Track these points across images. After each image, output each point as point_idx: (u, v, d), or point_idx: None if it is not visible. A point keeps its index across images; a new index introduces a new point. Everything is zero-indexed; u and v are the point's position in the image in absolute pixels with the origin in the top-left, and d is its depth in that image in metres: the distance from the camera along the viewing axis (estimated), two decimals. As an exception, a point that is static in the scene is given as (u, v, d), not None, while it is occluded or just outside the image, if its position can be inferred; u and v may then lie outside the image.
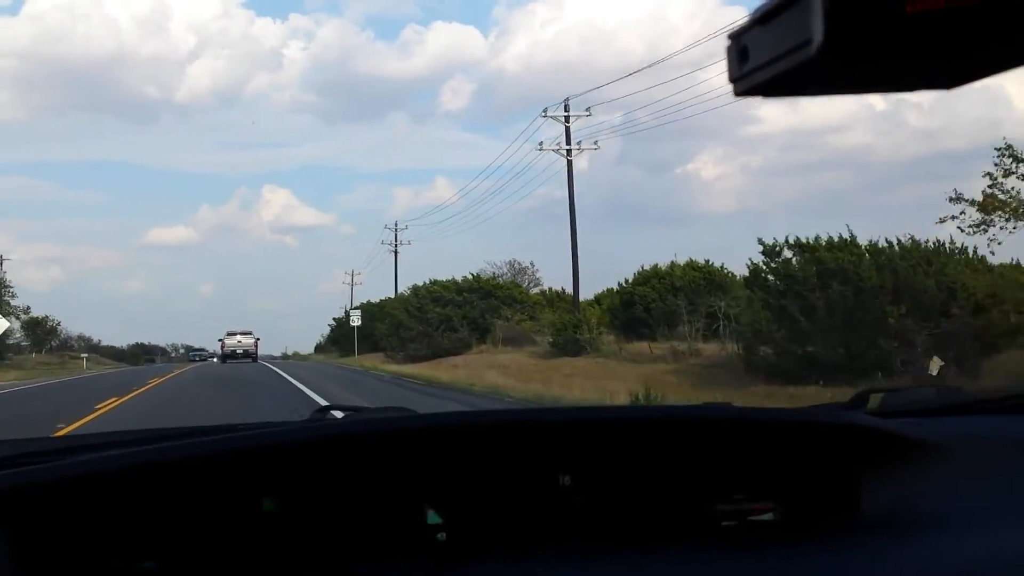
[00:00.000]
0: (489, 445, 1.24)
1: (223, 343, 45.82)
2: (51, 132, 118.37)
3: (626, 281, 28.08)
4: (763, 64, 0.53)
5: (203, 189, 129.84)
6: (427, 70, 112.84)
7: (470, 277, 37.18)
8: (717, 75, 22.49)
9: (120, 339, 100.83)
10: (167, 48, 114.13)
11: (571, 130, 29.41)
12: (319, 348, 67.74)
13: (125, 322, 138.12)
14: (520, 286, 38.89)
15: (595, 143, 30.30)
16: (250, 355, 43.94)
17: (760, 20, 0.53)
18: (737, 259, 50.79)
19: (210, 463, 1.09)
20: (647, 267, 27.70)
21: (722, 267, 27.81)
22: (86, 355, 56.36)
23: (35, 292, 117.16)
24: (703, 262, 27.83)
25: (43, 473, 1.04)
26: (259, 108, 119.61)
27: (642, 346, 23.10)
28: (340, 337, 54.39)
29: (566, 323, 25.99)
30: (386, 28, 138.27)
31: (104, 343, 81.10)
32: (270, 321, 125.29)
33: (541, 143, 30.34)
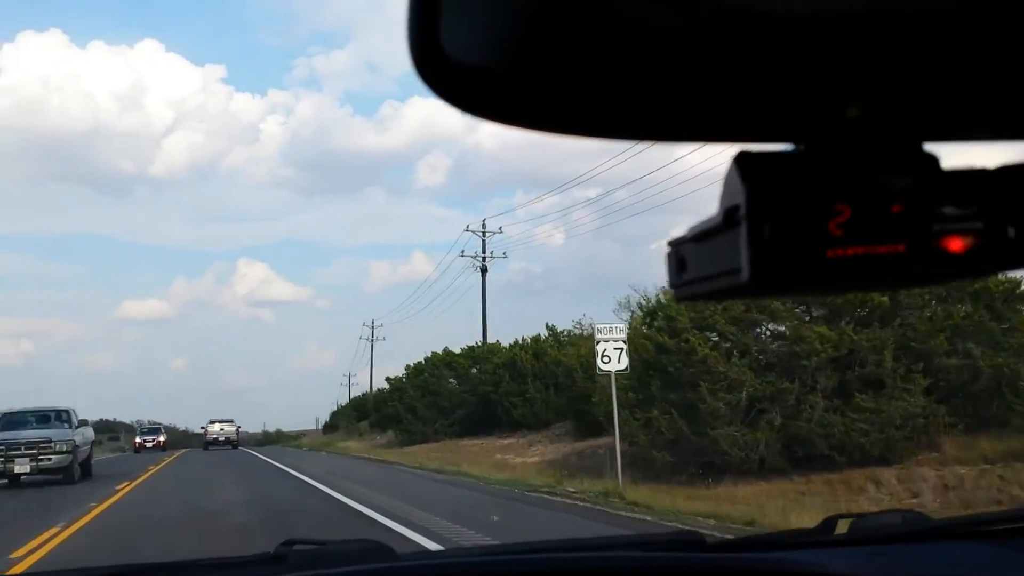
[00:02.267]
0: None
1: (206, 430, 47.25)
2: (24, 204, 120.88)
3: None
4: (699, 278, 0.55)
5: (178, 263, 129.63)
6: (404, 146, 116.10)
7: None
8: (687, 153, 22.48)
9: (89, 414, 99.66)
10: (143, 122, 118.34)
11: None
12: (327, 428, 66.61)
13: (95, 397, 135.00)
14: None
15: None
16: (231, 442, 45.26)
17: (695, 238, 0.55)
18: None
19: None
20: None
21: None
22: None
23: (6, 367, 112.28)
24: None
25: None
26: (236, 182, 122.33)
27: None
28: (336, 423, 60.98)
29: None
30: (364, 104, 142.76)
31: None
32: (246, 396, 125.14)
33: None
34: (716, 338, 13.44)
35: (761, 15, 0.45)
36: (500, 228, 37.50)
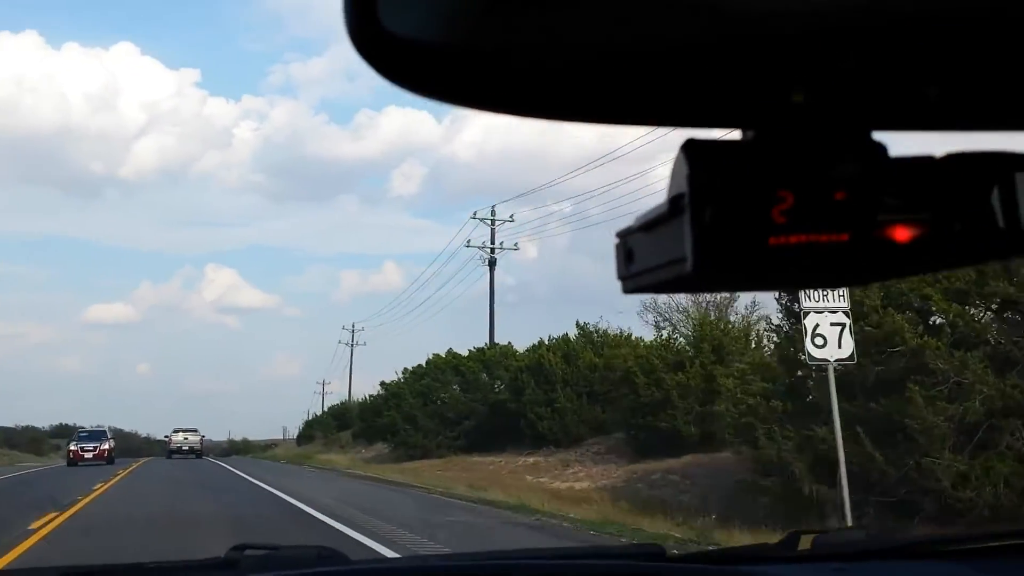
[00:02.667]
0: None
1: (170, 439, 46.41)
2: None
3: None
4: (646, 269, 0.54)
5: (145, 266, 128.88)
6: (379, 154, 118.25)
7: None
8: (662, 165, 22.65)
9: (50, 419, 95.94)
10: (116, 124, 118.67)
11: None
12: (302, 438, 61.63)
13: (60, 401, 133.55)
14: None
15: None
16: (195, 451, 44.56)
17: (644, 227, 0.54)
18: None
19: None
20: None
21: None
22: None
23: None
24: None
25: None
26: (207, 187, 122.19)
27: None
28: (312, 433, 56.40)
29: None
30: (340, 112, 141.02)
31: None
32: (211, 403, 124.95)
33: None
34: (936, 319, 9.27)
35: (713, 2, 0.46)
36: (511, 216, 33.07)
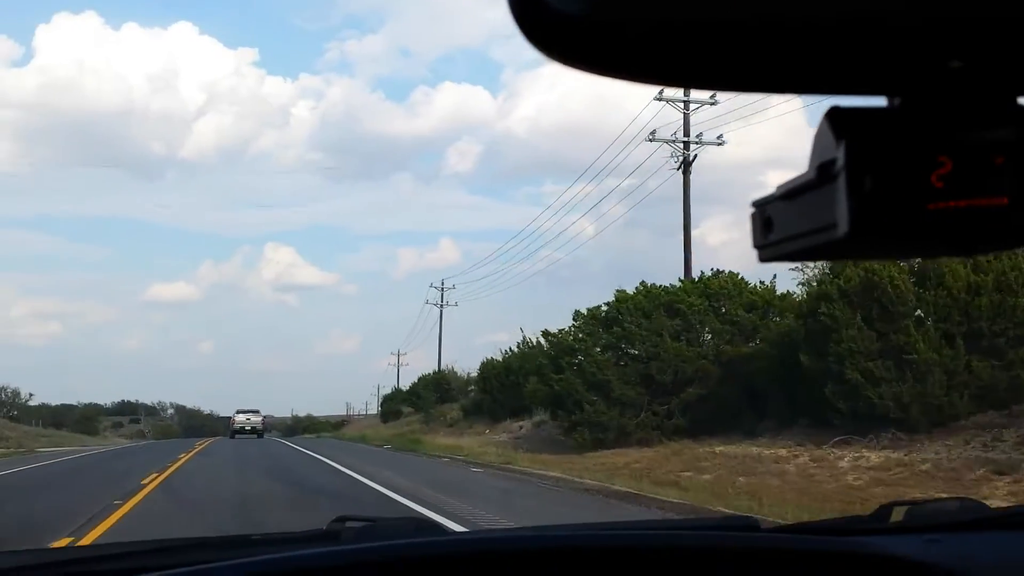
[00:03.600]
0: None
1: (232, 420, 47.39)
2: (55, 185, 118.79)
3: None
4: (788, 237, 0.55)
5: (206, 246, 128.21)
6: (434, 131, 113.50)
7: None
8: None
9: (111, 396, 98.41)
10: (175, 105, 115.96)
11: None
12: (388, 414, 52.74)
13: (121, 378, 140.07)
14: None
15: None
16: (257, 431, 45.24)
17: (784, 196, 0.55)
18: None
19: None
20: None
21: None
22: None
23: (32, 347, 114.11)
24: None
25: None
26: (265, 166, 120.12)
27: None
28: (396, 409, 49.32)
29: None
30: (396, 89, 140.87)
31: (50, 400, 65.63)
32: (271, 381, 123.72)
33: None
34: None
35: None
36: (713, 97, 22.76)
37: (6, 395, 57.66)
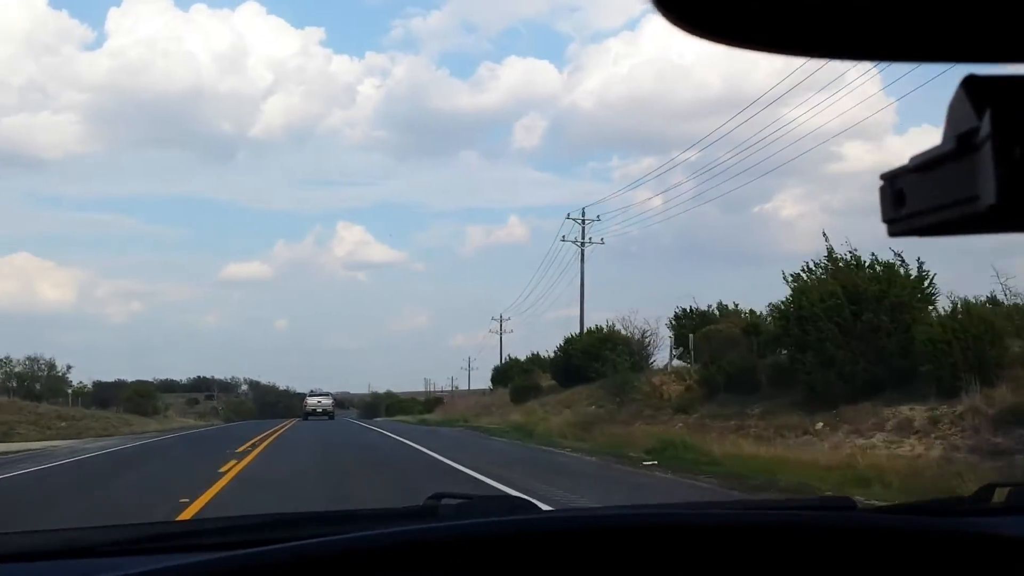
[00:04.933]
0: (606, 551, 1.15)
1: (305, 402, 49.82)
2: (129, 168, 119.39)
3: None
4: (922, 211, 0.53)
5: (278, 225, 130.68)
6: (500, 107, 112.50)
7: None
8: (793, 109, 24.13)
9: (185, 372, 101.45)
10: (244, 84, 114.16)
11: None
12: (519, 392, 39.59)
13: (197, 356, 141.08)
14: None
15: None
16: (328, 413, 47.22)
17: (918, 168, 0.53)
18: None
19: (340, 561, 1.07)
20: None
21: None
22: None
23: (114, 325, 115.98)
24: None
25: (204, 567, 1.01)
26: (333, 145, 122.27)
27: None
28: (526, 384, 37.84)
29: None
30: (460, 65, 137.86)
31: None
32: (346, 357, 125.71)
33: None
34: None
35: None
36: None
37: (39, 367, 47.98)
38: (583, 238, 37.44)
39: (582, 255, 37.17)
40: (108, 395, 50.09)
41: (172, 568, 1.03)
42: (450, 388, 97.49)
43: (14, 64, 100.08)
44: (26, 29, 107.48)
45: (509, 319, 60.13)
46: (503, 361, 51.16)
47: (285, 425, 36.32)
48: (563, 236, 38.52)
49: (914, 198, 0.53)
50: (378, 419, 58.23)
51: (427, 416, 48.99)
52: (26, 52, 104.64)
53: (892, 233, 0.55)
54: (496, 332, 60.64)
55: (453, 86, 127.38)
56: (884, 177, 0.56)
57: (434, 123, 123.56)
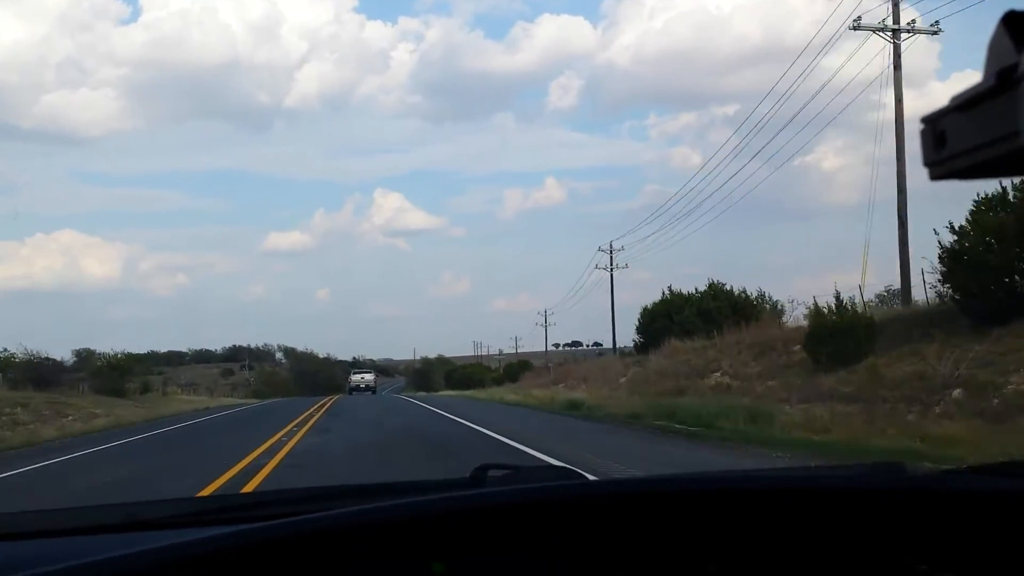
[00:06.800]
0: (661, 518, 1.14)
1: (350, 379, 55.66)
2: (170, 141, 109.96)
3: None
4: (964, 151, 0.53)
5: (317, 194, 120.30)
6: (534, 68, 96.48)
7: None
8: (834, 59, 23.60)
9: (224, 341, 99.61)
10: (279, 54, 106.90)
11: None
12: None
13: (238, 326, 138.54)
14: None
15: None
16: (371, 388, 51.70)
17: (960, 107, 0.53)
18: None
19: (386, 528, 1.08)
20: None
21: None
22: None
23: (161, 297, 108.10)
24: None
25: (238, 538, 0.99)
26: (368, 112, 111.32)
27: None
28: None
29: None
30: (494, 26, 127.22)
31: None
32: (388, 323, 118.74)
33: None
34: None
35: None
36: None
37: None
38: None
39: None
40: (61, 371, 35.25)
41: (221, 536, 1.00)
42: (511, 349, 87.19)
43: (52, 42, 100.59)
44: (61, 7, 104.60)
45: (621, 249, 44.87)
46: (663, 297, 32.76)
47: (324, 407, 26.96)
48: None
49: (955, 138, 0.52)
50: (444, 397, 42.07)
51: (537, 401, 26.83)
52: (62, 30, 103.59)
53: (934, 176, 0.54)
54: (605, 268, 45.37)
55: (487, 48, 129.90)
56: (925, 119, 0.55)
57: (469, 87, 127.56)
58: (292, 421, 18.77)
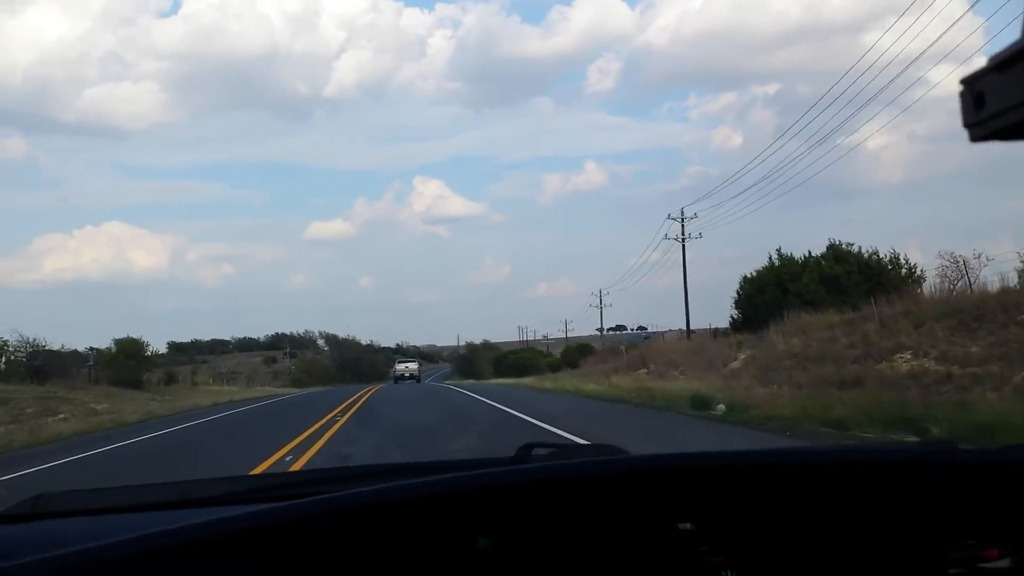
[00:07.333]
0: (705, 490, 1.15)
1: (394, 369, 56.45)
2: (212, 132, 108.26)
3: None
4: (1003, 110, 0.52)
5: (357, 183, 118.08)
6: (572, 51, 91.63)
7: None
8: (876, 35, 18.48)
9: (266, 329, 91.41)
10: (317, 44, 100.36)
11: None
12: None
13: (282, 314, 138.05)
14: None
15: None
16: (415, 377, 51.94)
17: (998, 67, 0.52)
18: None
19: (433, 503, 1.09)
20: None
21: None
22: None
23: (207, 288, 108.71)
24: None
25: (281, 513, 1.02)
26: (406, 100, 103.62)
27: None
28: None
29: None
30: (531, 10, 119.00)
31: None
32: (430, 310, 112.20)
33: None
34: None
35: None
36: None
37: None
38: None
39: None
40: (65, 361, 30.82)
41: (264, 511, 1.03)
42: (558, 334, 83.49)
43: (94, 37, 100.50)
44: (103, 2, 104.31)
45: (694, 217, 39.27)
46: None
47: (361, 399, 23.36)
48: None
49: (994, 98, 0.51)
50: (498, 386, 37.04)
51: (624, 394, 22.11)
52: (104, 25, 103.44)
53: (974, 138, 0.53)
54: (676, 238, 39.76)
55: (524, 32, 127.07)
56: (964, 81, 0.54)
57: (506, 72, 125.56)
58: (304, 431, 13.83)
